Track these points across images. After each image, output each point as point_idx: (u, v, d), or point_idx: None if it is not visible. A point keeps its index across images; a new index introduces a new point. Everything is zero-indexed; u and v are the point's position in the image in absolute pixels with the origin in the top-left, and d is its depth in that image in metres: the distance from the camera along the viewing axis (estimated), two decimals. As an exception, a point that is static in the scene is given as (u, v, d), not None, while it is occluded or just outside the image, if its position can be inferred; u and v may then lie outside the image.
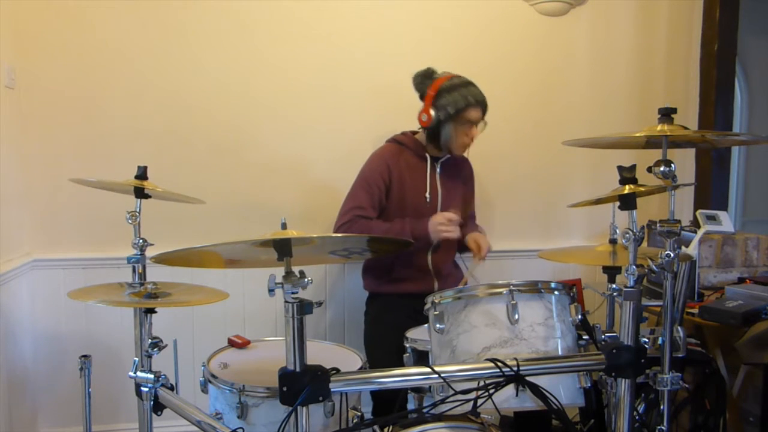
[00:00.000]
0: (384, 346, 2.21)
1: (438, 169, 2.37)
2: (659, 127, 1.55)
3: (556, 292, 1.49)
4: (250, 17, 2.62)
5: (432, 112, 2.25)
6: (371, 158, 2.37)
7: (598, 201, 1.58)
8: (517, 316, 1.42)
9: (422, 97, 2.30)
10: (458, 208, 2.27)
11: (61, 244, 2.55)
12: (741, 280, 2.69)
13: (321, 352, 1.87)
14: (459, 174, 2.46)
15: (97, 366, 1.91)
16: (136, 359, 1.71)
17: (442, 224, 2.18)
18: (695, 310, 2.28)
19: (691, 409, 2.13)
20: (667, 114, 1.56)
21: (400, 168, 2.32)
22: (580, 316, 1.49)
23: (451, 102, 2.23)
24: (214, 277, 2.47)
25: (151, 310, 1.70)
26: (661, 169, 1.40)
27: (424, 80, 2.31)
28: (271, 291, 1.23)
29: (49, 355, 2.53)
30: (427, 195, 2.32)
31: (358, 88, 2.72)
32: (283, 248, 1.26)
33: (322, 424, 1.59)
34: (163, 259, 1.31)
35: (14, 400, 2.36)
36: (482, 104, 2.28)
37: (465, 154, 2.38)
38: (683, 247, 1.63)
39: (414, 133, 2.41)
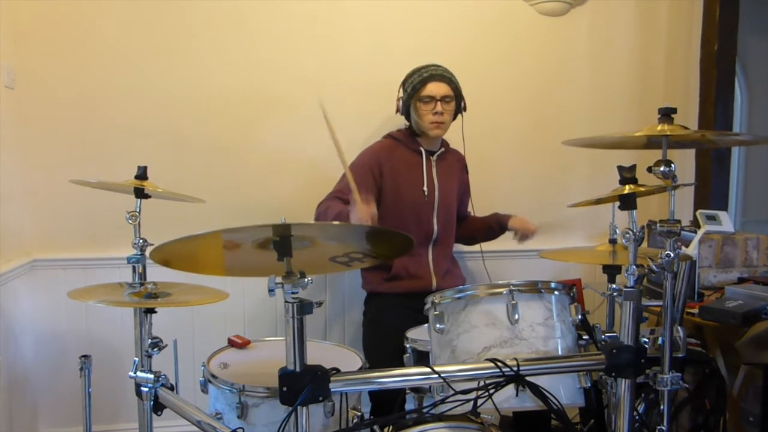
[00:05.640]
0: (383, 347, 2.20)
1: (434, 163, 2.37)
2: (659, 127, 1.55)
3: (556, 292, 1.49)
4: (250, 17, 2.62)
5: (400, 96, 2.33)
6: (363, 152, 2.38)
7: (598, 201, 1.58)
8: (517, 316, 1.42)
9: None
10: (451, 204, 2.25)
11: (61, 244, 2.55)
12: (741, 280, 2.69)
13: (321, 352, 1.87)
14: (455, 167, 2.46)
15: (97, 366, 1.91)
16: (136, 359, 1.71)
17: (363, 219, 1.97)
18: (695, 310, 2.28)
19: (691, 409, 2.13)
20: (667, 114, 1.56)
21: (394, 163, 2.32)
22: (580, 316, 1.49)
23: (410, 81, 2.30)
24: (214, 277, 2.45)
25: (151, 310, 1.70)
26: (661, 169, 1.41)
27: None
28: (271, 291, 1.23)
29: (49, 355, 2.53)
30: (425, 189, 2.32)
31: (358, 87, 2.72)
32: (283, 246, 1.26)
33: (322, 424, 1.59)
34: (162, 255, 1.27)
35: (14, 400, 2.36)
36: (440, 77, 2.26)
37: (461, 151, 2.36)
38: (683, 247, 1.63)
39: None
